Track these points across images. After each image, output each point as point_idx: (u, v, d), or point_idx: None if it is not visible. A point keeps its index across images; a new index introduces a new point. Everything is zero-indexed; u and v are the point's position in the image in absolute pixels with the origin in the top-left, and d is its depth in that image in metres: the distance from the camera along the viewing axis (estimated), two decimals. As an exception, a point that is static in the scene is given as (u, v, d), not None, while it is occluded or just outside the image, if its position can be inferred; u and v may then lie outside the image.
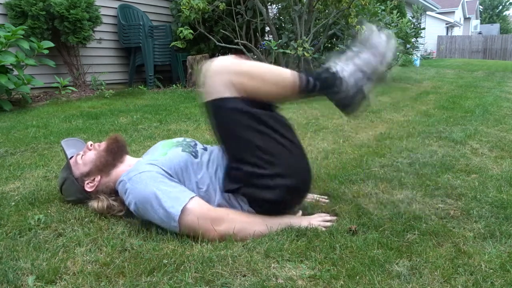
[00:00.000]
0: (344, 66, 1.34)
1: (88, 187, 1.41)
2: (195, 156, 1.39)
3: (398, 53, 6.80)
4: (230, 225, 1.23)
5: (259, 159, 1.26)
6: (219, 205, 1.34)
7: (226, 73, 1.24)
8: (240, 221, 1.26)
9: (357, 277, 1.02)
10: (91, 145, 1.46)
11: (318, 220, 1.33)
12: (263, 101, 1.29)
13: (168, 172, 1.30)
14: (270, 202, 1.29)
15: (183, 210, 1.20)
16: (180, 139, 1.50)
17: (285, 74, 1.31)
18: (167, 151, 1.40)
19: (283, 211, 1.35)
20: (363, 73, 1.33)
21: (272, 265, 1.09)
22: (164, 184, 1.25)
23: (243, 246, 1.18)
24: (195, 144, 1.47)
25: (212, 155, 1.42)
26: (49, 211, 1.41)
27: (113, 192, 1.39)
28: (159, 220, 1.23)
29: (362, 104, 1.38)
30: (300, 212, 1.41)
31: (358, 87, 1.34)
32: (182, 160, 1.35)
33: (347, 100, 1.35)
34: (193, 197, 1.25)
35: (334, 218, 1.37)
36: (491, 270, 1.06)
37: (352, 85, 1.33)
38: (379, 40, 1.35)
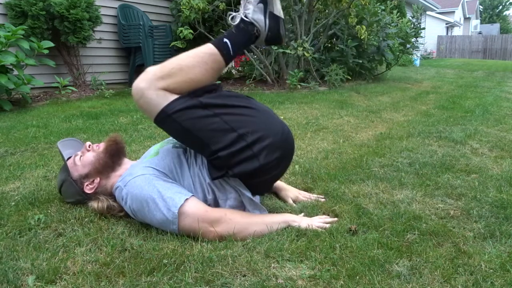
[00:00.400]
0: (245, 11, 1.33)
1: (88, 189, 1.40)
2: (185, 150, 1.39)
3: (398, 54, 6.81)
4: (229, 225, 1.23)
5: (228, 138, 1.24)
6: (213, 192, 1.33)
7: (150, 85, 1.22)
8: (240, 221, 1.25)
9: (357, 277, 1.02)
10: (89, 146, 1.45)
11: (318, 222, 1.33)
12: (200, 87, 1.27)
13: (163, 172, 1.30)
14: (259, 169, 1.26)
15: (179, 213, 1.20)
16: (170, 138, 1.50)
17: (205, 51, 1.30)
18: (158, 149, 1.40)
19: (276, 174, 1.33)
20: (262, 2, 1.32)
21: (272, 265, 1.09)
22: (159, 186, 1.24)
23: (243, 246, 1.18)
24: None
25: None
26: (49, 211, 1.41)
27: (111, 195, 1.39)
28: (157, 223, 1.24)
29: (283, 26, 1.38)
30: (303, 214, 1.41)
31: (268, 16, 1.34)
32: (175, 156, 1.35)
33: (271, 35, 1.35)
34: (189, 198, 1.24)
35: (335, 219, 1.37)
36: (491, 270, 1.06)
37: (263, 19, 1.33)
38: None
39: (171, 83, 1.23)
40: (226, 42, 1.30)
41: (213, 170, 1.30)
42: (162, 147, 1.42)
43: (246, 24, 1.33)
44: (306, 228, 1.28)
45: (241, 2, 1.37)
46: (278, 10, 1.36)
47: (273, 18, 1.35)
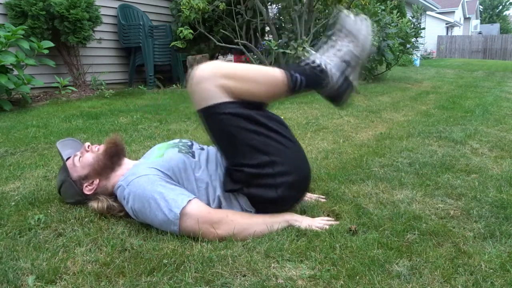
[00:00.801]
0: (327, 59, 1.34)
1: (87, 190, 1.40)
2: (193, 156, 1.39)
3: (398, 54, 6.80)
4: (230, 226, 1.23)
5: (259, 160, 1.25)
6: (219, 202, 1.34)
7: (213, 78, 1.23)
8: (240, 222, 1.25)
9: (357, 277, 1.02)
10: (88, 146, 1.44)
11: (319, 223, 1.32)
12: (253, 102, 1.28)
13: (166, 174, 1.30)
14: (272, 200, 1.29)
15: (182, 214, 1.20)
16: (176, 140, 1.50)
17: (273, 73, 1.31)
18: (164, 152, 1.39)
19: (284, 209, 1.34)
20: (346, 63, 1.34)
21: (272, 265, 1.09)
22: (162, 187, 1.24)
23: (243, 246, 1.18)
24: (192, 144, 1.47)
25: (210, 154, 1.42)
26: (49, 211, 1.41)
27: (112, 195, 1.39)
28: (158, 224, 1.24)
29: (349, 93, 1.39)
30: (305, 214, 1.41)
31: (343, 78, 1.35)
32: (180, 161, 1.34)
33: (335, 93, 1.36)
34: (191, 199, 1.24)
35: (337, 223, 1.35)
36: (491, 270, 1.06)
37: (338, 77, 1.34)
38: (356, 27, 1.35)
39: (231, 85, 1.24)
40: (297, 77, 1.31)
41: (229, 182, 1.30)
42: (167, 149, 1.41)
43: (323, 72, 1.33)
44: (306, 228, 1.28)
45: (328, 48, 1.37)
46: (355, 78, 1.37)
47: (347, 82, 1.36)
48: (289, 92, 1.33)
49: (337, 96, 1.38)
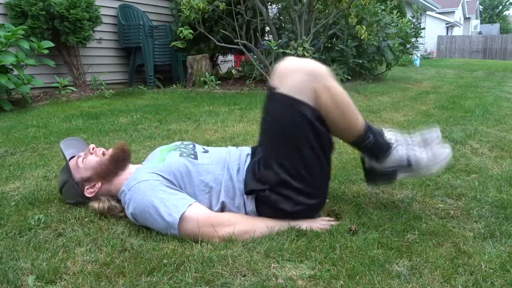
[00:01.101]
0: (400, 146, 1.36)
1: (88, 193, 1.40)
2: (195, 158, 1.37)
3: (398, 54, 6.80)
4: (230, 229, 1.22)
5: (298, 172, 1.26)
6: (223, 205, 1.33)
7: (317, 79, 1.22)
8: (242, 225, 1.25)
9: (357, 277, 1.02)
10: (93, 148, 1.43)
11: (320, 224, 1.32)
12: (325, 123, 1.27)
13: (168, 178, 1.29)
14: (284, 212, 1.28)
15: (182, 218, 1.19)
16: (178, 142, 1.49)
17: (357, 117, 1.31)
18: (165, 156, 1.38)
19: (288, 220, 1.33)
20: (408, 163, 1.35)
21: (272, 265, 1.09)
22: (162, 193, 1.23)
23: (243, 246, 1.18)
24: (194, 146, 1.46)
25: (214, 158, 1.39)
26: (49, 211, 1.41)
27: (114, 197, 1.39)
28: (158, 228, 1.23)
29: (384, 183, 1.42)
30: None
31: (394, 169, 1.36)
32: (181, 165, 1.33)
33: (377, 173, 1.39)
34: (192, 204, 1.23)
35: (337, 223, 1.35)
36: (491, 270, 1.06)
37: (392, 165, 1.35)
38: (440, 151, 1.36)
39: (324, 97, 1.23)
40: (369, 137, 1.33)
41: (253, 182, 1.29)
42: (169, 152, 1.40)
43: (387, 151, 1.34)
44: (306, 229, 1.28)
45: (406, 140, 1.39)
46: (400, 178, 1.38)
47: (392, 175, 1.37)
48: (353, 141, 1.35)
49: (376, 177, 1.40)
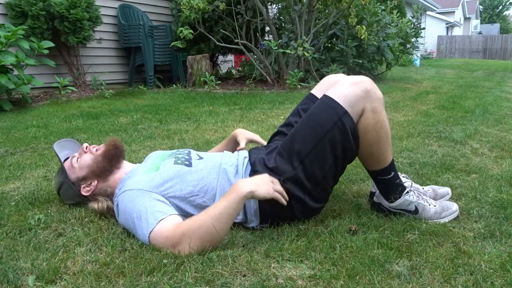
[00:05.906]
0: (412, 193, 1.39)
1: (84, 191, 1.39)
2: (189, 165, 1.34)
3: (398, 54, 6.81)
4: (189, 241, 1.12)
5: (313, 173, 1.27)
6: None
7: (368, 97, 1.26)
8: (196, 230, 1.13)
9: (357, 277, 1.02)
10: (86, 147, 1.42)
11: (277, 186, 1.23)
12: (357, 141, 1.30)
13: (156, 186, 1.26)
14: (283, 209, 1.27)
15: (150, 238, 1.15)
16: (174, 150, 1.48)
17: (388, 152, 1.35)
18: (160, 164, 1.36)
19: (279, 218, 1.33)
20: (415, 210, 1.38)
21: (272, 265, 1.09)
22: (141, 205, 1.19)
23: (243, 246, 1.18)
24: (189, 153, 1.43)
25: (209, 163, 1.36)
26: (49, 211, 1.41)
27: (111, 196, 1.38)
28: (139, 238, 1.20)
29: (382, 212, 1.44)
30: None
31: (399, 212, 1.40)
32: (174, 172, 1.31)
33: (383, 209, 1.42)
34: (162, 219, 1.16)
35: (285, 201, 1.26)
36: (491, 270, 1.06)
37: (400, 207, 1.39)
38: (449, 206, 1.40)
39: (369, 120, 1.27)
40: (391, 174, 1.37)
41: (264, 170, 1.29)
42: (164, 160, 1.38)
43: (401, 192, 1.38)
44: (266, 197, 1.19)
45: (420, 190, 1.44)
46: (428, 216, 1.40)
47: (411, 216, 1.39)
48: (374, 171, 1.38)
49: (380, 210, 1.42)
